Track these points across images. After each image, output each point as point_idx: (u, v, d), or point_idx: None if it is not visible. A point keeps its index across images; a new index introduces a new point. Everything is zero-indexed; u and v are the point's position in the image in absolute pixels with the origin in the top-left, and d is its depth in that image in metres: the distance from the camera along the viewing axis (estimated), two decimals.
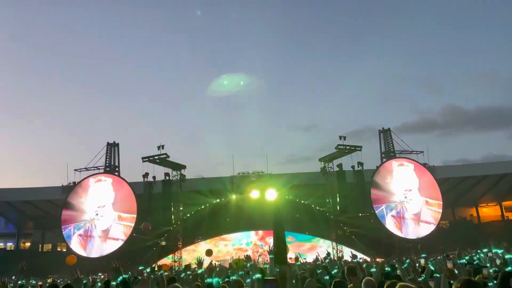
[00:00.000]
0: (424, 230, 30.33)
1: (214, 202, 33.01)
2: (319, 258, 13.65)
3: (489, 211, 39.69)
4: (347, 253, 27.09)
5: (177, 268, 25.33)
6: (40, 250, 37.45)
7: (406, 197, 30.91)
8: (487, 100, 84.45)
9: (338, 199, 30.54)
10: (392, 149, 32.75)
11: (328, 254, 18.69)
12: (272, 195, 14.28)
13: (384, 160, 32.33)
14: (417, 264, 8.45)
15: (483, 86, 76.68)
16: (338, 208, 30.38)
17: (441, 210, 30.78)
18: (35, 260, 29.01)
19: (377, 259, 11.42)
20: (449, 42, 75.69)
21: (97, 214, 30.06)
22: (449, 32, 76.14)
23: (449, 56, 75.40)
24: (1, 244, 39.46)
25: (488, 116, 71.34)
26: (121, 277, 4.12)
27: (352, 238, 31.15)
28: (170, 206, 30.04)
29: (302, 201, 32.76)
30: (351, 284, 5.72)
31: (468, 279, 3.79)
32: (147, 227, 26.52)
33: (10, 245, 38.95)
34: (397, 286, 3.30)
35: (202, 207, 32.83)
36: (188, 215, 32.22)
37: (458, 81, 75.42)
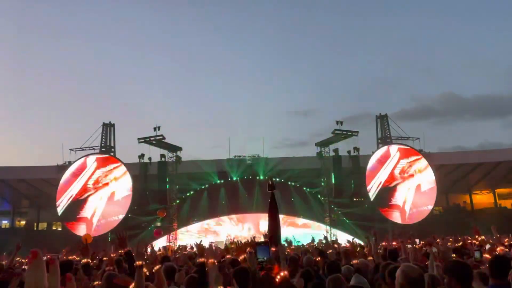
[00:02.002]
0: (417, 215, 30.62)
1: (210, 184, 33.10)
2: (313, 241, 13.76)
3: (482, 198, 39.98)
4: (340, 236, 27.43)
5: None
6: (35, 228, 37.55)
7: (400, 182, 31.14)
8: (485, 89, 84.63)
9: (333, 183, 30.67)
10: (388, 135, 32.83)
11: (325, 238, 18.89)
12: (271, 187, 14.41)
13: (380, 145, 32.41)
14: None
15: (482, 74, 76.59)
16: (333, 192, 30.53)
17: (435, 196, 31.04)
18: (30, 238, 29.07)
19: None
20: (449, 29, 75.18)
21: (93, 194, 30.12)
22: (449, 19, 75.58)
23: (448, 43, 75.00)
24: None
25: (486, 105, 71.37)
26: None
27: (346, 222, 31.42)
28: (166, 187, 30.07)
29: (298, 185, 32.91)
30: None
31: (457, 260, 3.81)
32: (162, 213, 26.88)
33: (5, 223, 38.97)
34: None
35: (198, 189, 32.94)
36: (183, 196, 32.32)
37: (457, 69, 75.27)
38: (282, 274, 3.90)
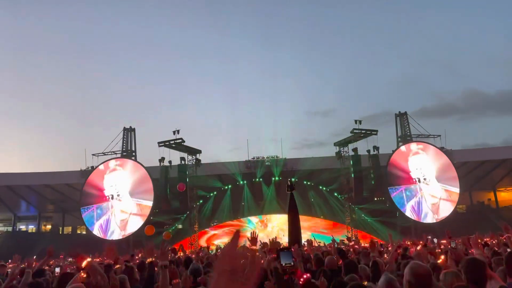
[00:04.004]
0: (441, 214, 30.15)
1: (229, 186, 33.25)
2: (335, 241, 13.72)
3: (507, 195, 39.05)
4: (362, 236, 27.21)
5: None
6: (60, 232, 38.40)
7: (423, 180, 30.69)
8: (509, 84, 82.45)
9: (353, 183, 30.43)
10: (408, 133, 32.42)
11: (349, 238, 18.82)
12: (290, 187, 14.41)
13: (400, 144, 32.04)
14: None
15: (504, 69, 74.79)
16: (353, 192, 30.31)
17: (458, 194, 30.50)
18: (56, 242, 29.74)
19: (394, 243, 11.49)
20: (470, 25, 73.71)
21: (117, 196, 30.64)
22: (470, 15, 74.05)
23: (470, 39, 73.47)
24: (23, 226, 40.55)
25: (509, 100, 69.66)
26: None
27: (367, 222, 31.14)
28: (186, 190, 30.38)
29: (317, 185, 32.77)
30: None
31: (472, 257, 3.79)
32: (182, 188, 27.39)
33: (31, 227, 39.97)
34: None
35: (217, 191, 33.14)
36: (203, 199, 32.58)
37: (479, 65, 73.66)
38: (305, 276, 3.98)
